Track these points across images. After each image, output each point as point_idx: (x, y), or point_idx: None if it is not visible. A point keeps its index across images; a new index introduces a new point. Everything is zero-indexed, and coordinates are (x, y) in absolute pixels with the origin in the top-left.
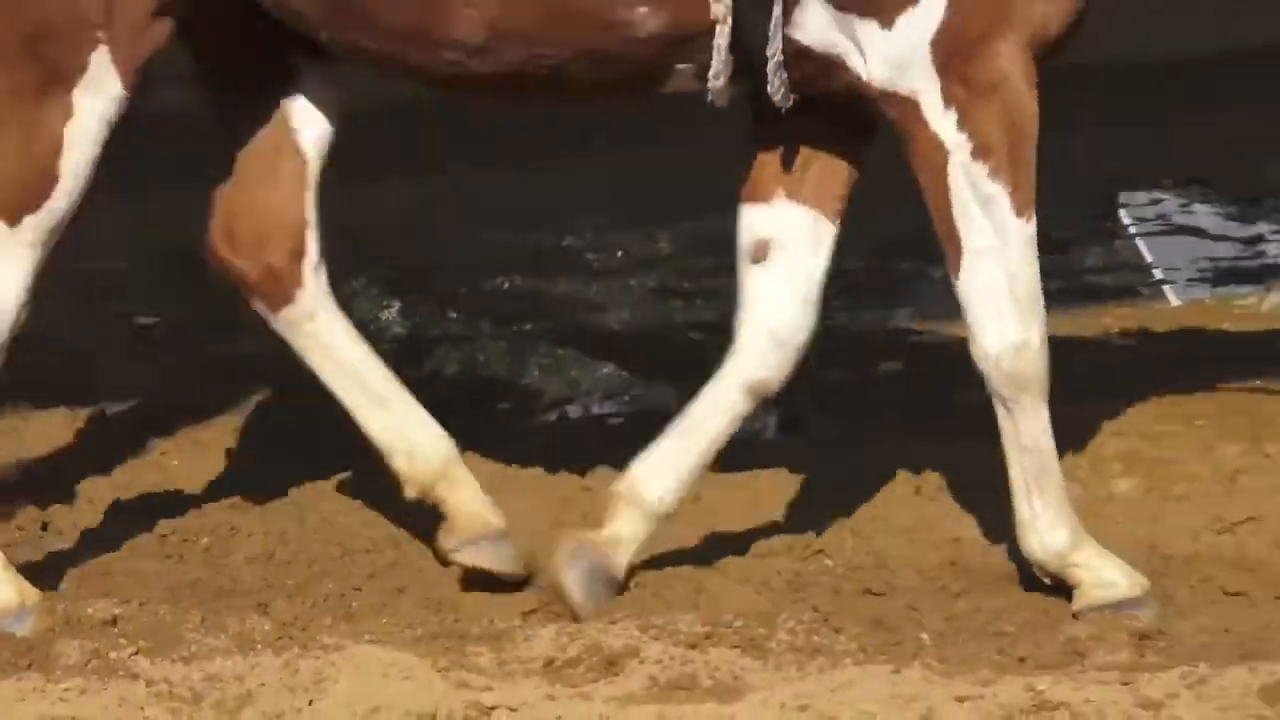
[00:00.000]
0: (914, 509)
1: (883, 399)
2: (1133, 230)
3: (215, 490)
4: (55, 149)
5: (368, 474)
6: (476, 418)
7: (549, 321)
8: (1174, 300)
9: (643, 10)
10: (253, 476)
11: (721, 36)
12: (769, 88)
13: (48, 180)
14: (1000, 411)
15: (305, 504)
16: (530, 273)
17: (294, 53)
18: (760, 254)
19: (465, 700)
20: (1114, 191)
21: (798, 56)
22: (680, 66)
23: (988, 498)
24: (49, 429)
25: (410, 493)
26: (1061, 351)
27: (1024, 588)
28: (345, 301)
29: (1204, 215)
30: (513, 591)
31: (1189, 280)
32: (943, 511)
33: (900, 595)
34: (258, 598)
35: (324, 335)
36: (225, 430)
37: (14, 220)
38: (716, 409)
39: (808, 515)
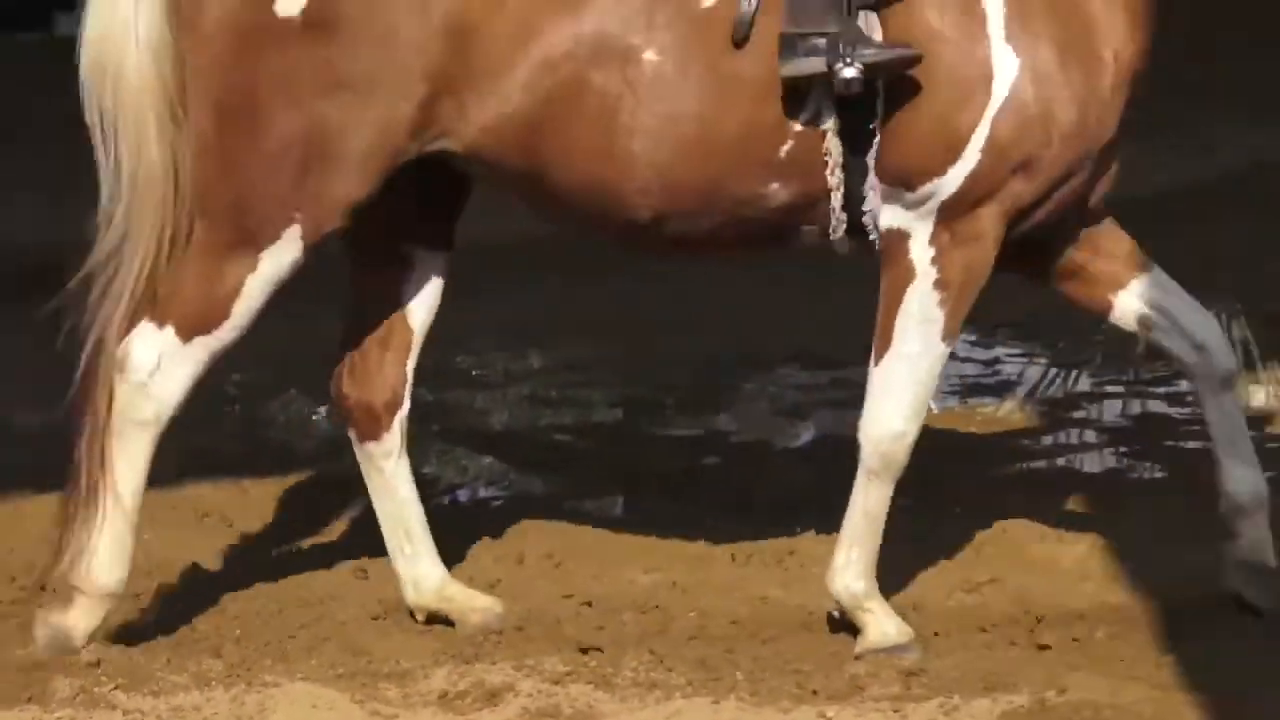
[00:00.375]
0: (730, 571)
1: (706, 486)
2: None
3: (180, 555)
4: (234, 295)
5: (301, 547)
6: None
7: (445, 423)
8: (933, 408)
9: (775, 185)
10: (210, 548)
11: (837, 208)
12: (870, 235)
13: (222, 317)
14: (861, 480)
15: (250, 569)
16: (431, 386)
17: (420, 246)
18: None
19: None
20: None
21: None
22: (806, 227)
23: (787, 563)
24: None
25: (418, 616)
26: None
27: (816, 634)
28: (286, 404)
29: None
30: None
31: (943, 392)
32: (753, 573)
33: (719, 642)
34: (212, 644)
35: (389, 473)
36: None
37: (188, 339)
38: None
39: (648, 577)
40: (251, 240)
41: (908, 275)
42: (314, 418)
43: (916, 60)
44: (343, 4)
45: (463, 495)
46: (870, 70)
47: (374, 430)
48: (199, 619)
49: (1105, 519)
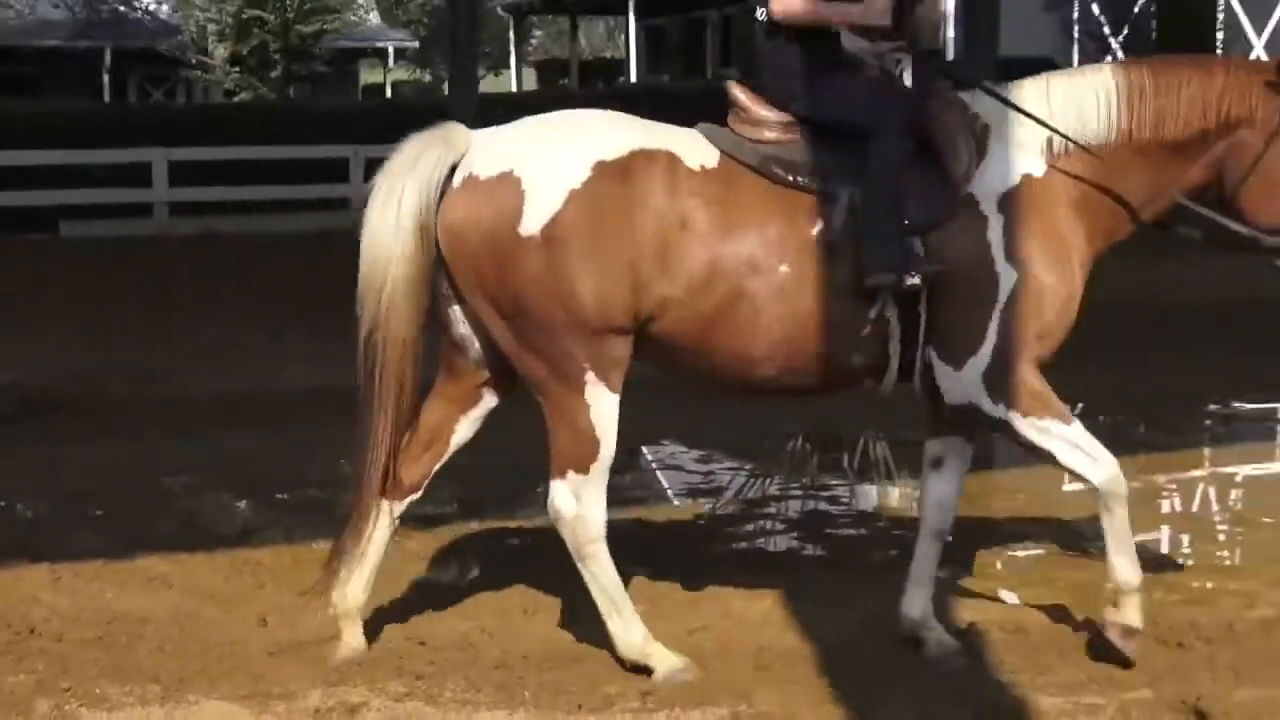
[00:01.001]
0: (524, 620)
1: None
2: None
3: (132, 609)
4: (593, 437)
5: (221, 602)
6: None
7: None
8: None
9: (856, 356)
10: (155, 605)
11: (893, 366)
12: (918, 386)
13: (597, 454)
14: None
15: (183, 619)
16: None
17: (497, 394)
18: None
19: None
20: None
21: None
22: (868, 381)
23: (566, 615)
24: None
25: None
26: None
27: (584, 665)
28: (216, 500)
29: None
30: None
31: (674, 493)
32: (540, 621)
33: (515, 669)
34: (153, 673)
35: (385, 526)
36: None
37: (587, 472)
38: None
39: (466, 624)
40: (571, 393)
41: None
42: (237, 507)
43: (948, 274)
44: (571, 227)
45: None
46: (923, 280)
47: (400, 494)
48: (143, 655)
49: (786, 584)
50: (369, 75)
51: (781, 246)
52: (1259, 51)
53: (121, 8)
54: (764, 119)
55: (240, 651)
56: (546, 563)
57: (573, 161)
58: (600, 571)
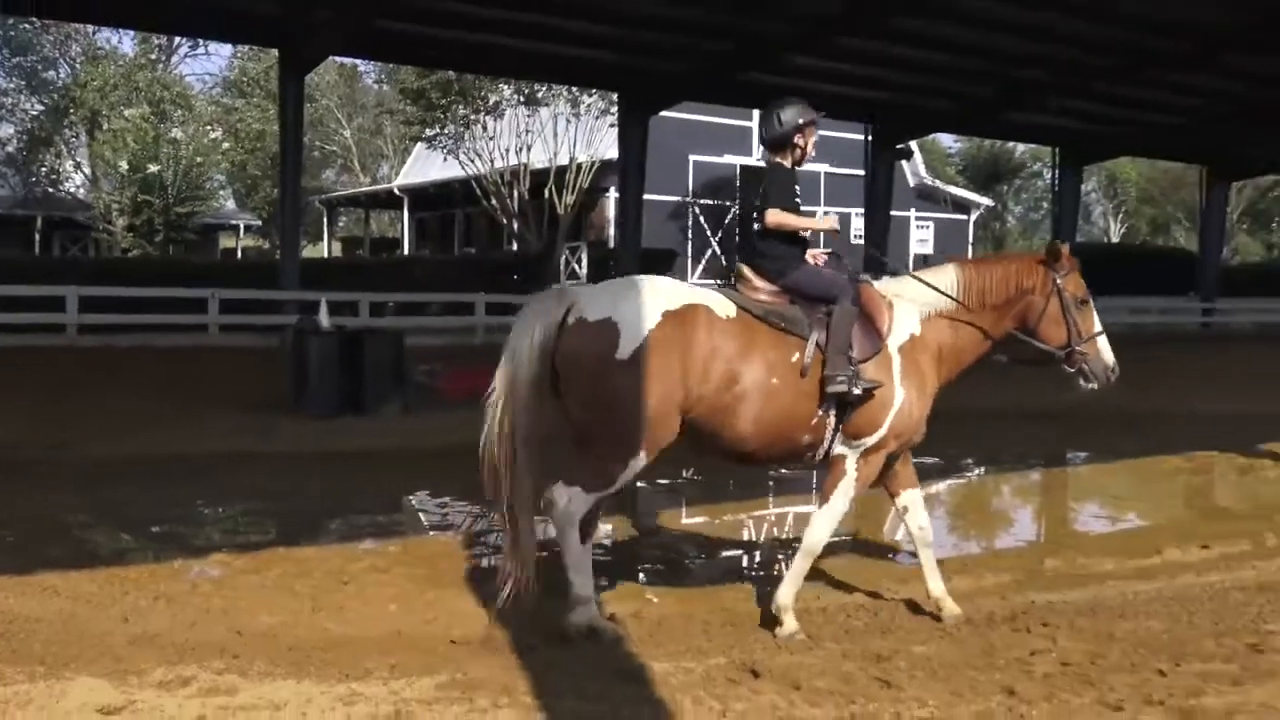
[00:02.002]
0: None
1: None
2: None
3: (29, 612)
4: (627, 476)
5: (96, 605)
6: None
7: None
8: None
9: (807, 438)
10: (47, 609)
11: (824, 449)
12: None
13: (617, 482)
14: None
15: (68, 619)
16: None
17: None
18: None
19: (122, 699)
20: None
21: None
22: (809, 455)
23: (347, 611)
24: None
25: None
26: None
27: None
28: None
29: None
30: (150, 651)
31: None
32: (324, 609)
33: (303, 650)
34: (40, 656)
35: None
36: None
37: (607, 487)
38: None
39: (272, 618)
40: (618, 460)
41: (842, 474)
42: (118, 537)
43: (878, 388)
44: (648, 354)
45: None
46: (864, 391)
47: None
48: (35, 645)
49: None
50: (225, 241)
51: (773, 367)
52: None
53: (51, 189)
54: (762, 288)
55: (107, 642)
56: (331, 575)
57: (649, 312)
58: (568, 545)
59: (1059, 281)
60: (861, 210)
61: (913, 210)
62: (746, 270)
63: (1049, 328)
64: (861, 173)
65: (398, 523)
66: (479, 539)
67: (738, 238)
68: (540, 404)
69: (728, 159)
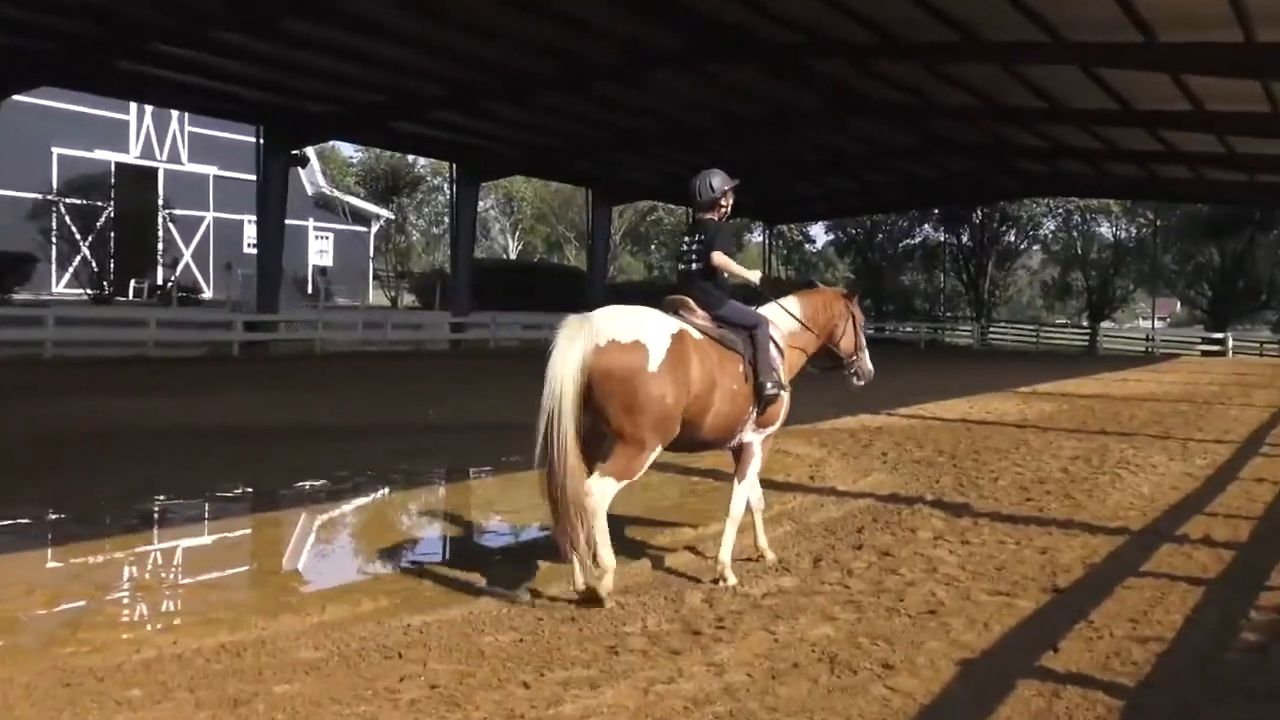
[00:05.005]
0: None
1: None
2: None
3: None
4: (647, 465)
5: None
6: None
7: None
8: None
9: (738, 428)
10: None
11: (745, 430)
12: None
13: (639, 472)
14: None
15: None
16: None
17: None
18: None
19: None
20: None
21: None
22: (732, 443)
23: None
24: None
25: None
26: None
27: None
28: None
29: None
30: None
31: None
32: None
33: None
34: None
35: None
36: None
37: (633, 476)
38: None
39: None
40: (646, 450)
41: (752, 455)
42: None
43: (788, 390)
44: (668, 365)
45: None
46: (785, 391)
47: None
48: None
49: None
50: None
51: (732, 376)
52: (187, 258)
53: None
54: (702, 315)
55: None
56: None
57: (664, 333)
58: (599, 526)
59: (853, 309)
60: (254, 217)
61: (311, 220)
62: (690, 300)
63: (845, 342)
64: (254, 177)
65: None
66: None
67: (676, 275)
68: (580, 412)
69: (100, 154)
